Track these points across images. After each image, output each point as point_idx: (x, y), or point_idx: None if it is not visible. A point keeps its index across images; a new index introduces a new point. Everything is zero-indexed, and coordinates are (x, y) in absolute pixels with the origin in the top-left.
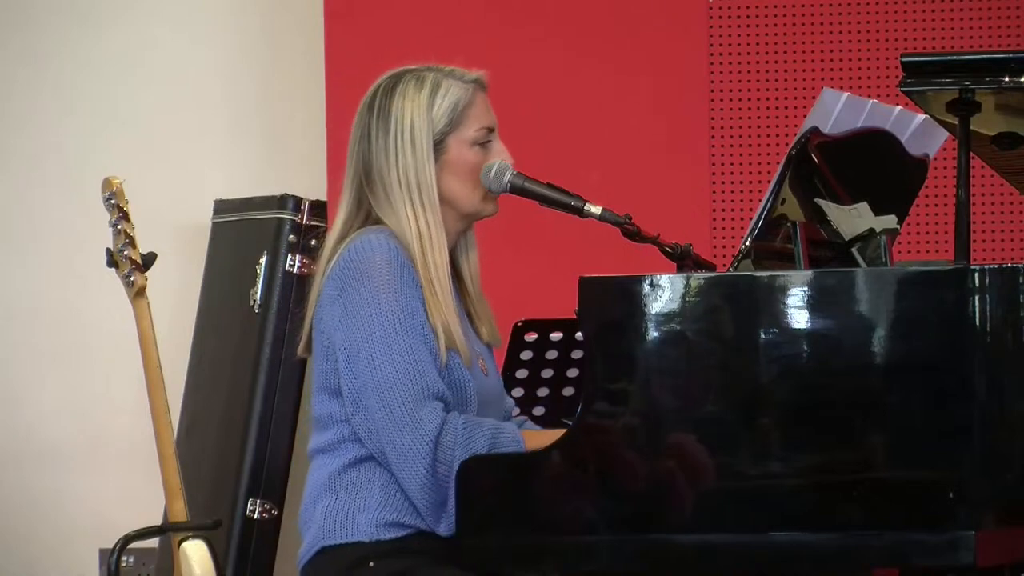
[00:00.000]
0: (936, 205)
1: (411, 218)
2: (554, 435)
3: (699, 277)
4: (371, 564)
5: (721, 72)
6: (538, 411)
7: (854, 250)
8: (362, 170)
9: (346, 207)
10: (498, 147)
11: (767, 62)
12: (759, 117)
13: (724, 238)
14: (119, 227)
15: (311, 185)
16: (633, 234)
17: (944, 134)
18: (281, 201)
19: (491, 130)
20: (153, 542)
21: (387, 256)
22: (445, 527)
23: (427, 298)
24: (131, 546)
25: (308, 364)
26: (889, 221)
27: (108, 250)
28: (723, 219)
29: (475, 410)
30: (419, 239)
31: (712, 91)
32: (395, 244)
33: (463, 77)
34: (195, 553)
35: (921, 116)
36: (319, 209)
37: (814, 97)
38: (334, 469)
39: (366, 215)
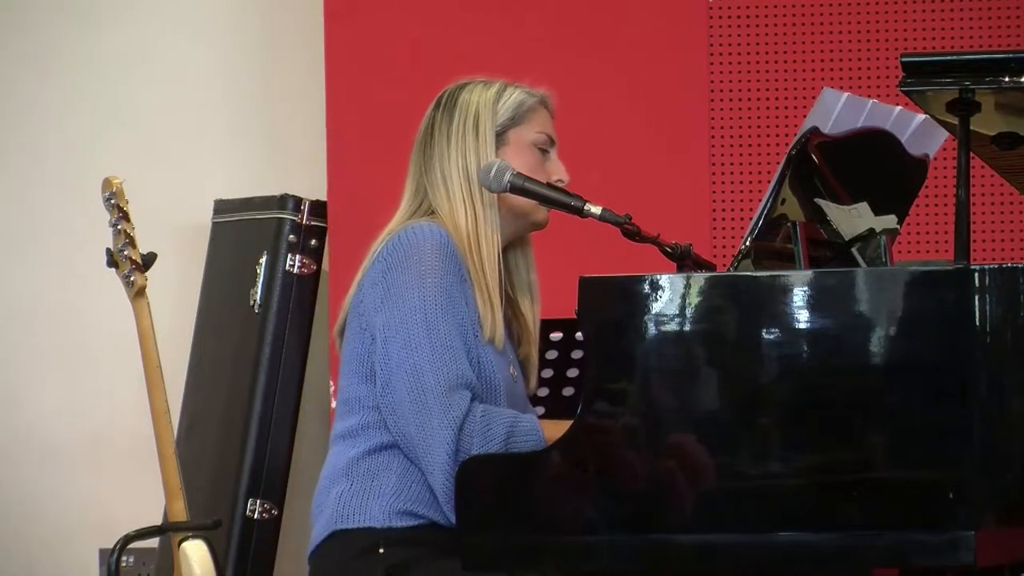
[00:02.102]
0: (936, 205)
1: (467, 202)
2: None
3: (699, 277)
4: (381, 550)
5: (721, 72)
6: (538, 411)
7: (854, 250)
8: (423, 161)
9: (404, 203)
10: (557, 161)
11: (767, 62)
12: (759, 117)
13: (724, 238)
14: (119, 227)
15: (311, 185)
16: (633, 234)
17: (944, 134)
18: (281, 201)
19: (552, 141)
20: (153, 542)
21: (437, 243)
22: None
23: (475, 284)
24: (131, 546)
25: (309, 362)
26: (889, 221)
27: (108, 250)
28: (723, 219)
29: (505, 405)
30: (474, 224)
31: (712, 91)
32: (446, 234)
33: (530, 90)
34: (195, 553)
35: (921, 116)
36: (319, 209)
37: (814, 97)
38: (353, 456)
39: (420, 206)
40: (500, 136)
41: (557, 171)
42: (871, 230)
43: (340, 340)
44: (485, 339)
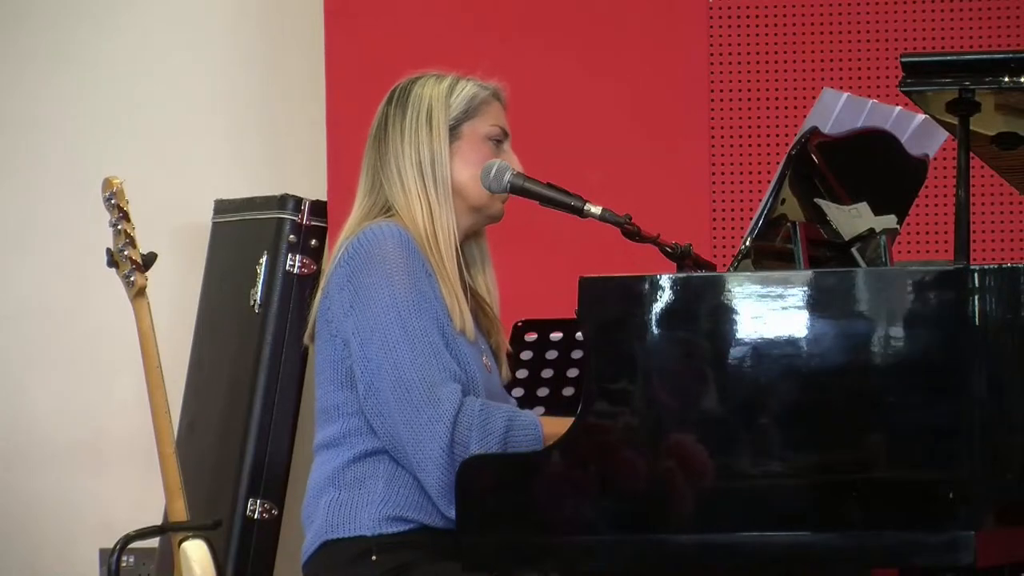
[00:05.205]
0: (936, 205)
1: (422, 196)
2: (568, 422)
3: (699, 277)
4: (374, 557)
5: (721, 72)
6: (538, 411)
7: (854, 250)
8: (377, 158)
9: (359, 201)
10: (510, 153)
11: (767, 62)
12: (759, 117)
13: (724, 238)
14: (119, 227)
15: (311, 185)
16: (633, 234)
17: (944, 134)
18: (281, 201)
19: (505, 133)
20: (153, 542)
21: (398, 242)
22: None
23: (439, 277)
24: (131, 546)
25: (309, 362)
26: (889, 221)
27: (108, 250)
28: (723, 219)
29: (483, 397)
30: (430, 218)
31: (712, 91)
32: (405, 232)
33: (482, 82)
34: (195, 553)
35: (921, 116)
36: (319, 209)
37: (814, 97)
38: (338, 464)
39: (379, 208)
40: (454, 130)
41: (512, 163)
42: (871, 230)
43: (313, 346)
44: (457, 330)
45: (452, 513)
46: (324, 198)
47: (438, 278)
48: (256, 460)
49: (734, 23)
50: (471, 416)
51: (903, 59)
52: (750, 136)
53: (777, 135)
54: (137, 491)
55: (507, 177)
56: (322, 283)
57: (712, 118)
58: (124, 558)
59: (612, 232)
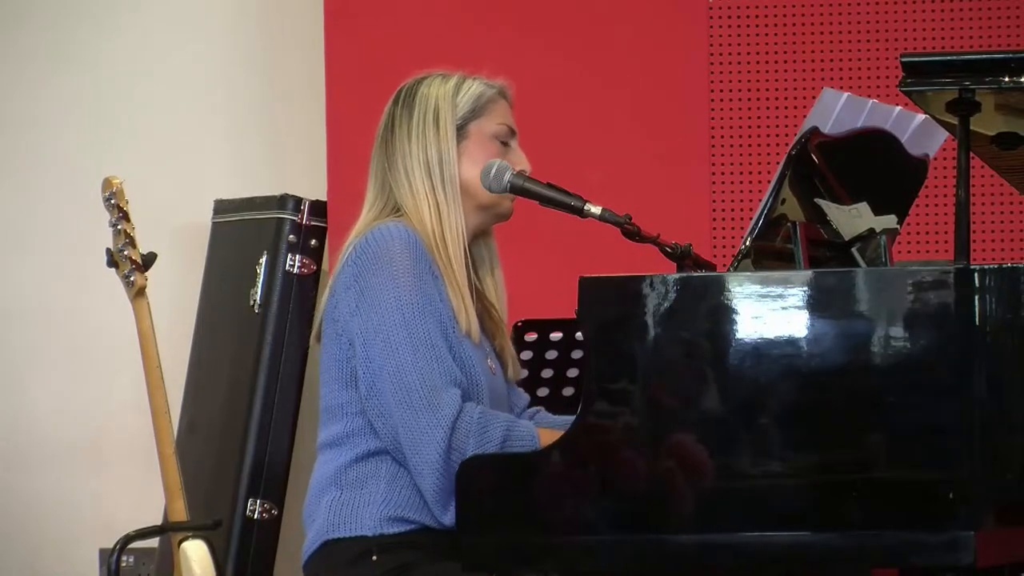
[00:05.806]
0: (936, 205)
1: (430, 197)
2: None
3: (699, 277)
4: (374, 558)
5: (721, 72)
6: (539, 411)
7: (854, 250)
8: (385, 159)
9: (368, 204)
10: (518, 151)
11: (767, 62)
12: (759, 117)
13: (724, 238)
14: (119, 227)
15: (311, 185)
16: (633, 234)
17: (944, 134)
18: (281, 201)
19: (512, 132)
20: (153, 542)
21: (405, 243)
22: (450, 517)
23: (445, 279)
24: (131, 546)
25: (309, 362)
26: (889, 221)
27: (108, 250)
28: (723, 219)
29: (486, 402)
30: (438, 218)
31: (712, 91)
32: (413, 233)
33: (488, 81)
34: (195, 553)
35: (921, 116)
36: (319, 209)
37: (814, 97)
38: (340, 464)
39: (389, 210)
40: (461, 129)
41: (519, 162)
42: (871, 230)
43: (319, 345)
44: (462, 333)
45: (447, 519)
46: (324, 198)
47: (445, 280)
48: (256, 460)
49: (734, 23)
50: (469, 422)
51: (903, 59)
52: (750, 136)
53: (777, 135)
54: (137, 491)
55: (507, 177)
56: (329, 282)
57: (712, 118)
58: (124, 558)
59: (612, 232)
